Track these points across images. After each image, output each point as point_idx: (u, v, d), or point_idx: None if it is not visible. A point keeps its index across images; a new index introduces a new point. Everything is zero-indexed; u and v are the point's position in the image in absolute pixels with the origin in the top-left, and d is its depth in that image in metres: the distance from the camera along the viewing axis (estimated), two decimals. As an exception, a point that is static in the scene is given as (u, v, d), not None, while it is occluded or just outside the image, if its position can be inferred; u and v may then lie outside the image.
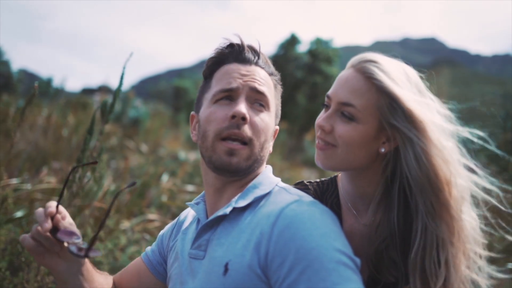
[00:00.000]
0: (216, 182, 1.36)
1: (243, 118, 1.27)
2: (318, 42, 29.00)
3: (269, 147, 1.39)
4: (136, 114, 12.55)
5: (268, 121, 1.35)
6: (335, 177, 1.53)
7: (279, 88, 1.46)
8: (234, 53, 1.38)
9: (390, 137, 1.27)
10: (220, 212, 1.28)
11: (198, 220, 1.42)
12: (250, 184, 1.33)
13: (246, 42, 1.41)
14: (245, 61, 1.37)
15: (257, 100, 1.33)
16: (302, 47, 30.10)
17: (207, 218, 1.37)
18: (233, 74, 1.33)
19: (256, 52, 1.40)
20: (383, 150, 1.29)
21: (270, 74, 1.42)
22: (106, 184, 4.42)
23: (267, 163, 1.44)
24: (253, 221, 1.21)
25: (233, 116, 1.27)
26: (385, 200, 1.32)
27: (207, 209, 1.40)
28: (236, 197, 1.30)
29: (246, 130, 1.28)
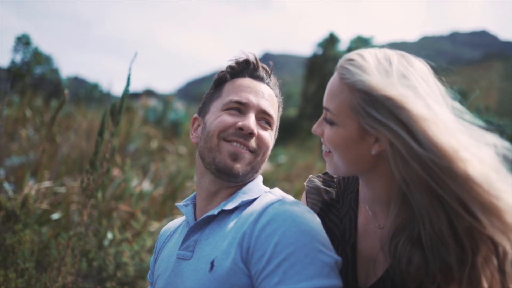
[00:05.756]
0: (211, 186, 1.42)
1: (251, 133, 1.36)
2: (359, 40, 28.45)
3: (265, 162, 1.48)
4: (176, 117, 12.84)
5: (270, 138, 1.45)
6: None
7: (281, 110, 1.56)
8: (249, 69, 1.48)
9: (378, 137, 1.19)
10: (208, 213, 1.36)
11: (187, 224, 1.49)
12: (240, 190, 1.41)
13: (261, 63, 1.51)
14: (258, 78, 1.48)
15: (264, 118, 1.43)
16: (343, 46, 29.65)
17: (195, 220, 1.44)
18: (247, 89, 1.43)
19: (268, 73, 1.51)
20: (373, 152, 1.22)
21: (276, 96, 1.52)
22: (138, 186, 4.56)
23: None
24: (239, 221, 1.29)
25: (241, 128, 1.36)
26: (405, 202, 1.22)
27: (197, 211, 1.48)
28: (225, 201, 1.39)
29: (252, 142, 1.38)
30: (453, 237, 1.10)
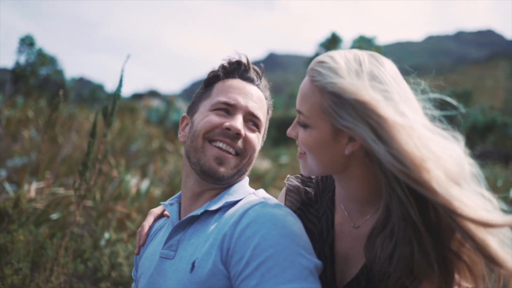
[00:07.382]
0: (195, 187, 1.43)
1: (238, 134, 1.36)
2: (361, 39, 28.41)
3: (252, 164, 1.48)
4: (179, 117, 12.89)
5: (257, 141, 1.45)
6: None
7: (270, 113, 1.56)
8: (240, 70, 1.48)
9: (352, 137, 1.20)
10: (192, 213, 1.37)
11: (171, 223, 1.49)
12: (225, 191, 1.41)
13: (252, 65, 1.52)
14: (248, 80, 1.48)
15: (252, 120, 1.43)
16: (346, 46, 29.62)
17: (180, 219, 1.44)
18: (236, 90, 1.43)
19: (259, 75, 1.51)
20: (346, 152, 1.23)
21: (266, 99, 1.51)
22: (135, 186, 4.60)
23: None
24: (221, 223, 1.29)
25: (228, 128, 1.36)
26: (381, 201, 1.24)
27: (181, 211, 1.48)
28: (209, 201, 1.39)
29: (239, 143, 1.39)
30: (424, 230, 1.13)
